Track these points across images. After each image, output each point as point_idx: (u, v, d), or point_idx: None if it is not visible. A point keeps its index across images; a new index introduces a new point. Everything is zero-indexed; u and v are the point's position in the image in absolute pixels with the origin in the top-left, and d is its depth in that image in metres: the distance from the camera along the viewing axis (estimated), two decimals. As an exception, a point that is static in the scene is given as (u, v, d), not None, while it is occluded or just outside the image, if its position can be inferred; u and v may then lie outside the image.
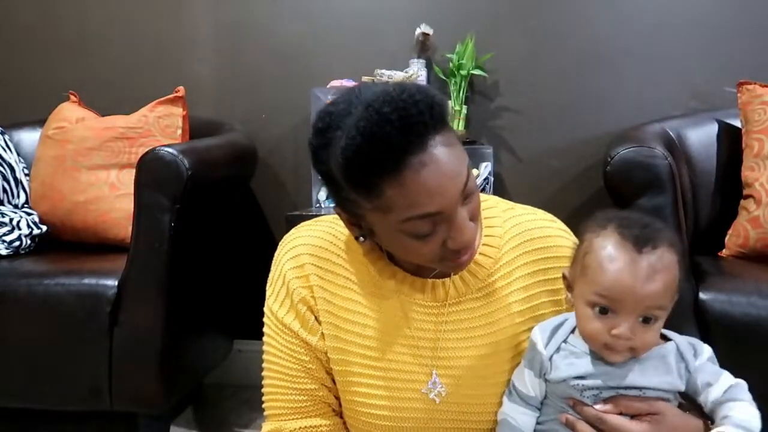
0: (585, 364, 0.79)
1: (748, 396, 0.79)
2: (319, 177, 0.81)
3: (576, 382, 0.79)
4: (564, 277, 0.85)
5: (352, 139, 0.71)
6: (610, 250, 0.76)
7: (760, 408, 0.79)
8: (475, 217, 0.80)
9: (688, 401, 0.82)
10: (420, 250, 0.78)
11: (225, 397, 2.04)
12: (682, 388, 0.79)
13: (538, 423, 0.85)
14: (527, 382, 0.84)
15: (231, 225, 1.97)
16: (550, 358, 0.81)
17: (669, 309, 0.77)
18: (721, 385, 0.78)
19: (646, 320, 0.76)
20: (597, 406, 0.78)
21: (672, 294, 0.77)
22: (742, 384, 0.80)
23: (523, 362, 0.86)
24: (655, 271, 0.75)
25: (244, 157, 1.92)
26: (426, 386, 0.88)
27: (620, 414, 0.78)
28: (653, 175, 1.34)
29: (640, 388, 0.78)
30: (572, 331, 0.82)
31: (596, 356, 0.79)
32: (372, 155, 0.70)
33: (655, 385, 0.78)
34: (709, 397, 0.78)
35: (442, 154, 0.72)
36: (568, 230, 0.94)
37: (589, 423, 0.79)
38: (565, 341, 0.82)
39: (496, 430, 0.87)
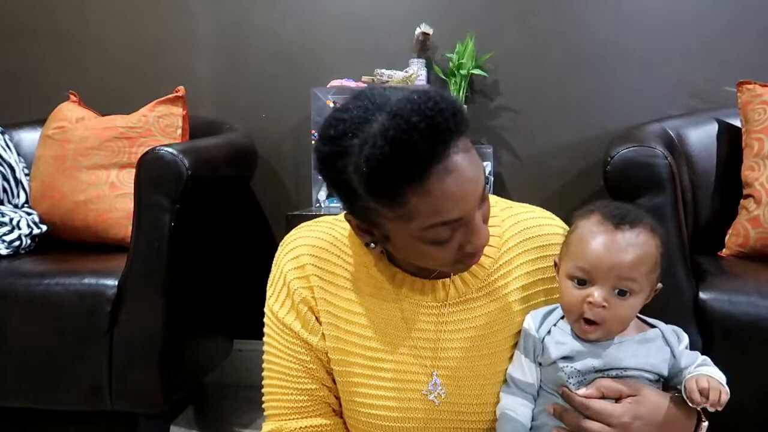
0: (572, 343, 0.82)
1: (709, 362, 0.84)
2: (329, 184, 0.80)
3: (563, 364, 0.82)
4: (555, 264, 0.87)
5: (380, 148, 0.70)
6: (590, 227, 0.82)
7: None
8: (486, 219, 0.81)
9: (665, 386, 0.85)
10: (437, 256, 0.79)
11: (225, 397, 2.04)
12: (665, 372, 0.83)
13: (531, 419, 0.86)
14: (525, 367, 0.85)
15: (231, 225, 1.97)
16: (542, 341, 0.84)
17: (645, 288, 0.81)
18: (698, 361, 0.84)
19: (621, 293, 0.79)
20: (580, 391, 0.80)
21: (647, 271, 0.80)
22: (709, 360, 0.85)
23: (517, 352, 0.87)
24: (629, 244, 0.80)
25: (244, 157, 1.92)
26: (426, 387, 0.88)
27: (603, 397, 0.79)
28: (653, 174, 1.34)
29: (624, 368, 0.81)
30: (562, 317, 0.85)
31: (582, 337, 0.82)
32: (399, 164, 0.70)
33: (640, 366, 0.81)
34: (685, 374, 0.82)
35: (464, 161, 0.73)
36: (567, 228, 0.94)
37: (575, 410, 0.80)
38: (555, 325, 0.85)
39: (496, 427, 0.87)
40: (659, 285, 0.84)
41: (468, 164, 0.73)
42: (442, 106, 0.71)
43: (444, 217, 0.74)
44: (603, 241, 0.80)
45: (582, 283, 0.81)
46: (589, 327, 0.80)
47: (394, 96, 0.75)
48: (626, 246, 0.79)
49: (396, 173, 0.71)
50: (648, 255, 0.80)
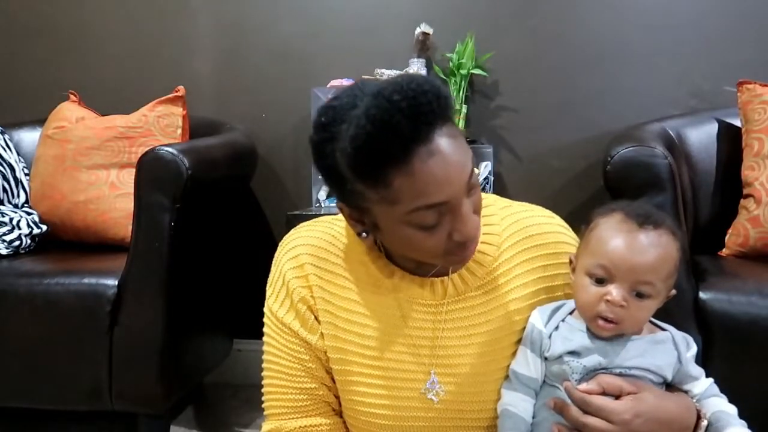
0: (580, 339, 0.82)
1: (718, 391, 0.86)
2: (321, 173, 0.81)
3: (569, 359, 0.81)
4: (570, 261, 0.87)
5: (362, 127, 0.71)
6: (613, 225, 0.81)
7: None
8: (477, 210, 0.81)
9: (669, 388, 0.85)
10: (425, 243, 0.78)
11: (225, 397, 2.04)
12: (670, 376, 0.83)
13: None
14: (530, 361, 0.85)
15: (231, 225, 1.97)
16: (550, 336, 0.84)
17: (662, 292, 0.81)
18: (704, 382, 0.85)
19: (639, 295, 0.79)
20: (580, 386, 0.80)
21: (666, 275, 0.80)
22: (713, 382, 0.86)
23: (522, 347, 0.87)
24: (651, 245, 0.79)
25: (244, 157, 1.92)
26: (424, 386, 0.88)
27: (603, 393, 0.79)
28: (653, 174, 1.34)
29: (629, 368, 0.80)
30: (570, 313, 0.85)
31: (591, 333, 0.82)
32: (381, 143, 0.71)
33: (645, 366, 0.81)
34: (694, 390, 0.84)
35: (448, 145, 0.73)
36: (567, 226, 0.95)
37: (576, 406, 0.80)
38: (563, 320, 0.85)
39: (497, 424, 0.87)
40: (673, 291, 0.83)
41: (453, 148, 0.73)
42: (426, 88, 0.72)
43: (428, 200, 0.74)
44: (626, 240, 0.79)
45: (600, 281, 0.80)
46: (606, 324, 0.80)
47: (382, 82, 0.75)
48: (649, 246, 0.79)
49: (378, 152, 0.71)
50: (670, 257, 0.80)
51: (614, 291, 0.78)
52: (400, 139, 0.71)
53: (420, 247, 0.79)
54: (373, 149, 0.71)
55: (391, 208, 0.75)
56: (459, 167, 0.74)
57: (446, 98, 0.74)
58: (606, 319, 0.79)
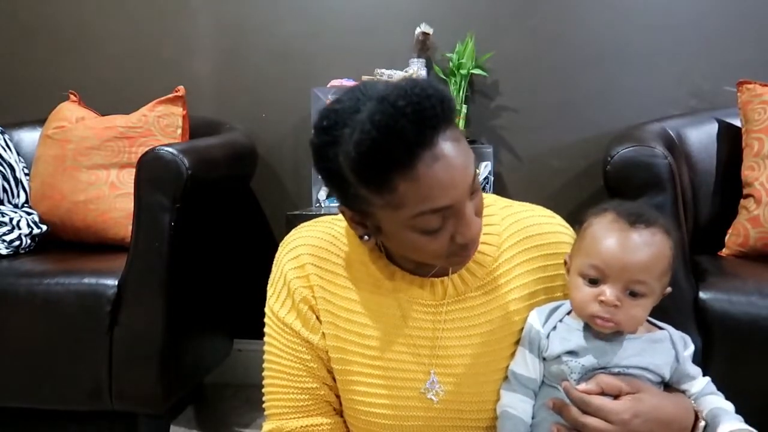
0: (577, 339, 0.82)
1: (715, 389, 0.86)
2: (322, 176, 0.81)
3: (567, 358, 0.81)
4: (565, 262, 0.87)
5: (367, 133, 0.71)
6: (605, 225, 0.82)
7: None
8: (479, 212, 0.81)
9: (667, 388, 0.85)
10: (428, 246, 0.78)
11: (225, 397, 2.04)
12: (668, 375, 0.83)
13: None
14: (528, 362, 0.85)
15: (231, 225, 1.97)
16: (548, 336, 0.84)
17: (656, 291, 0.81)
18: (701, 381, 0.85)
19: (633, 294, 0.79)
20: (579, 386, 0.80)
21: (659, 274, 0.80)
22: (710, 381, 0.86)
23: (521, 347, 0.87)
24: (644, 244, 0.79)
25: (244, 157, 1.92)
26: (424, 386, 0.88)
27: (602, 393, 0.79)
28: (653, 174, 1.34)
29: (627, 366, 0.80)
30: (568, 313, 0.85)
31: (589, 333, 0.82)
32: (386, 149, 0.71)
33: (643, 365, 0.81)
34: (691, 389, 0.84)
35: (452, 149, 0.73)
36: (568, 226, 0.95)
37: (575, 406, 0.80)
38: (561, 321, 0.85)
39: (496, 425, 0.87)
40: (668, 289, 0.83)
41: (457, 152, 0.74)
42: (430, 93, 0.72)
43: (433, 205, 0.74)
44: (617, 239, 0.79)
45: (594, 281, 0.80)
46: (606, 323, 0.80)
47: (384, 85, 0.75)
48: (641, 245, 0.79)
49: (383, 158, 0.71)
50: (662, 255, 0.80)
51: (608, 291, 0.79)
52: (405, 145, 0.70)
53: (423, 250, 0.80)
54: (379, 155, 0.71)
55: (396, 212, 0.75)
56: (463, 171, 0.74)
57: (450, 102, 0.74)
58: (603, 318, 0.80)
